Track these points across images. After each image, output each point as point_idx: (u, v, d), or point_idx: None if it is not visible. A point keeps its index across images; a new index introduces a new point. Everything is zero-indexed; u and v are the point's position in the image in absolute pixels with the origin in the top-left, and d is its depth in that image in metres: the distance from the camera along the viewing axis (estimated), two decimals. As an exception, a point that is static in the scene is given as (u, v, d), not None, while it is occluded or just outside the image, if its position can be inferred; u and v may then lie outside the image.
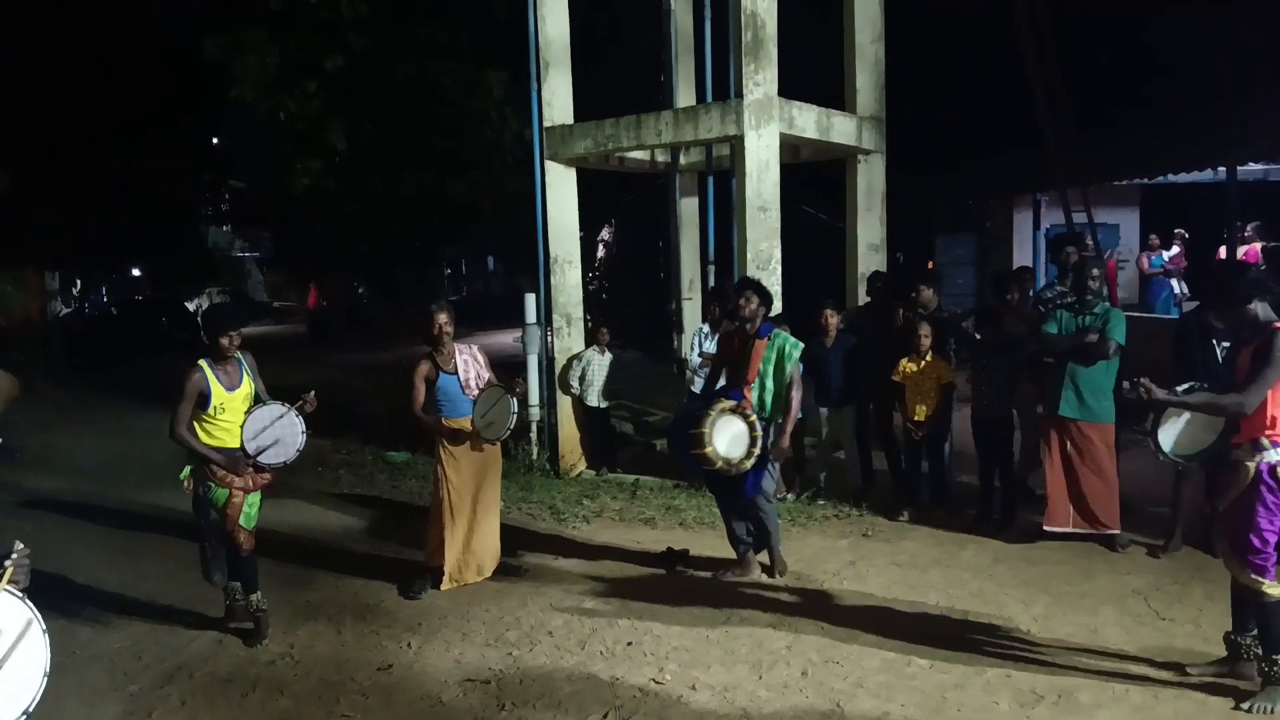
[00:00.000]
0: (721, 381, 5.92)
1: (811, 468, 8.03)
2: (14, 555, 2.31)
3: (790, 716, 4.18)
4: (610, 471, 8.98)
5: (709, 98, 8.87)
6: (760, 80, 7.76)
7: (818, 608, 5.39)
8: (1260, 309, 4.08)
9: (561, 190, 9.19)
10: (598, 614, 5.42)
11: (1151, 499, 6.80)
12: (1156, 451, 4.54)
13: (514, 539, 6.77)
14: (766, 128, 7.80)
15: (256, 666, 4.91)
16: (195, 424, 5.05)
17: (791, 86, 8.10)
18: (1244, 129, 9.93)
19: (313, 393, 5.24)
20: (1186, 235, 14.45)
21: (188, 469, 5.16)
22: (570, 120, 9.10)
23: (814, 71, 10.17)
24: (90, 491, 8.90)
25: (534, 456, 9.27)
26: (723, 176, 9.17)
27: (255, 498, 5.23)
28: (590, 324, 10.09)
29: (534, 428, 9.35)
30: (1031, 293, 7.81)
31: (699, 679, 4.54)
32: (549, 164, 9.06)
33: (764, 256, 7.91)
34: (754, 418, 5.53)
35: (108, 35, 19.07)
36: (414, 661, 4.90)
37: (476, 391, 5.87)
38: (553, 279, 9.20)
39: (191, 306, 30.75)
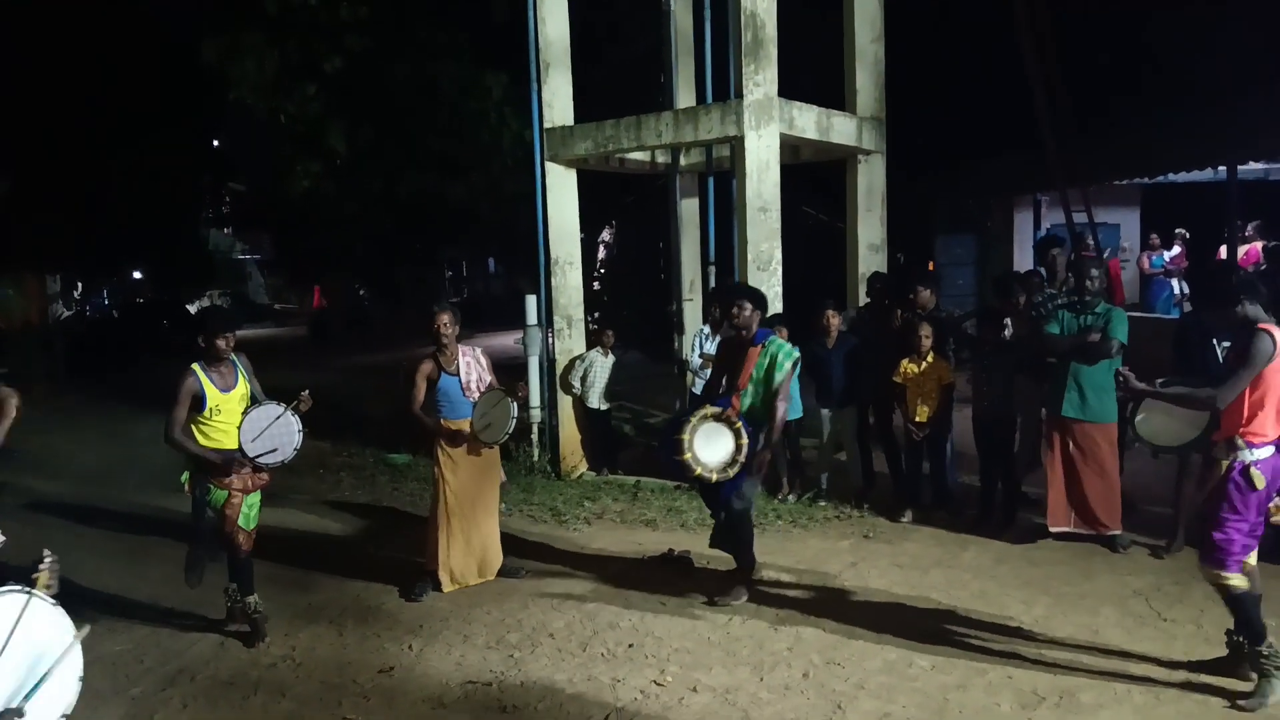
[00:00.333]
0: (724, 387, 5.89)
1: (813, 469, 8.02)
2: (45, 563, 2.34)
3: (792, 718, 4.17)
4: (611, 473, 8.97)
5: (709, 98, 8.87)
6: (760, 81, 7.76)
7: (819, 609, 5.38)
8: (1250, 309, 4.12)
9: (562, 192, 9.19)
10: (599, 616, 5.42)
11: (1153, 499, 6.80)
12: (1135, 439, 4.69)
13: (515, 541, 6.77)
14: (767, 128, 7.80)
15: (258, 669, 4.91)
16: (193, 427, 5.06)
17: (791, 86, 8.10)
18: (1244, 128, 9.94)
19: (307, 391, 5.25)
20: (1187, 235, 14.45)
21: (187, 473, 5.17)
22: (570, 121, 9.10)
23: (814, 71, 10.16)
24: (91, 494, 8.91)
25: (535, 458, 9.26)
26: (723, 177, 9.17)
27: (255, 498, 5.24)
28: (591, 325, 10.09)
29: (535, 429, 9.35)
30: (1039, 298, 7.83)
31: (700, 681, 4.54)
32: (549, 165, 9.06)
33: (764, 257, 7.91)
34: (739, 425, 5.41)
35: (107, 38, 19.07)
36: (416, 664, 4.90)
37: (477, 394, 5.87)
38: (553, 280, 9.20)
39: (192, 309, 30.78)
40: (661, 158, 10.04)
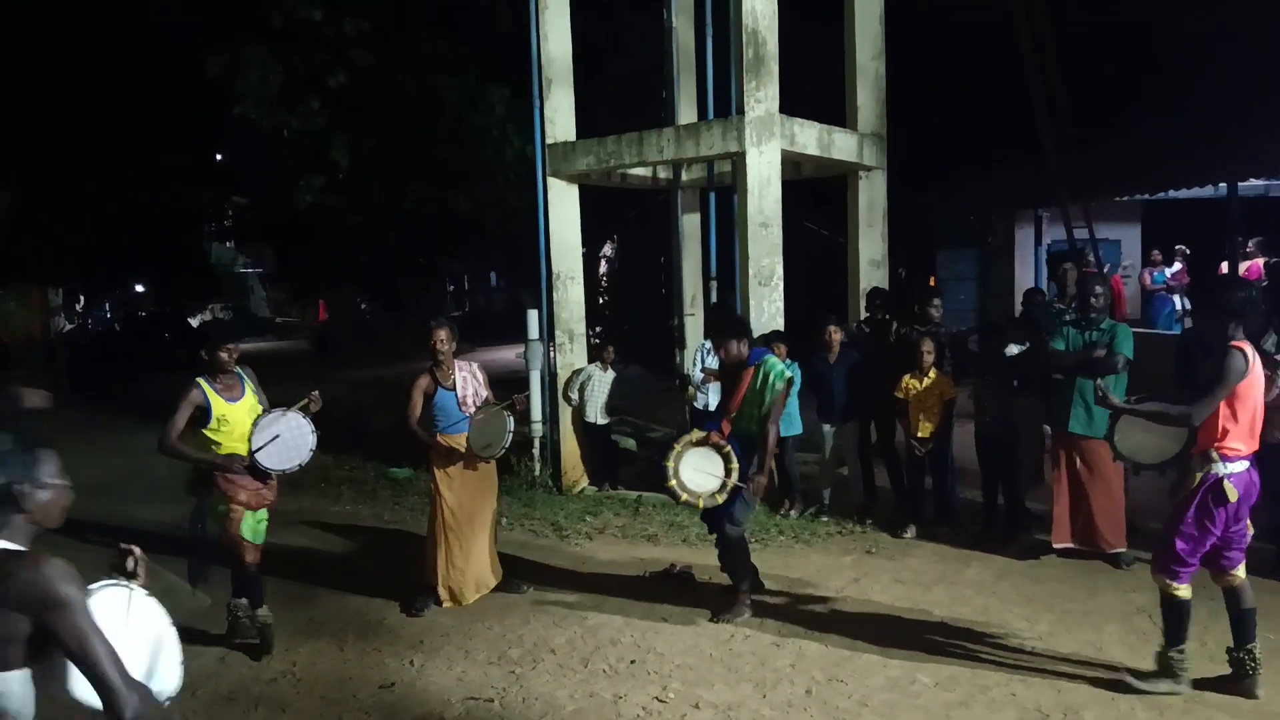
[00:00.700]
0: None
1: (815, 484, 8.01)
2: (135, 554, 2.45)
3: (794, 735, 4.16)
4: (613, 488, 8.96)
5: (710, 114, 8.91)
6: (761, 97, 7.79)
7: (822, 625, 5.37)
8: (1233, 328, 4.19)
9: (564, 206, 9.22)
10: (601, 632, 5.40)
11: (1156, 515, 6.77)
12: (1115, 457, 4.80)
13: (516, 556, 6.76)
14: (768, 144, 7.82)
15: (259, 684, 4.89)
16: (202, 440, 5.05)
17: (793, 100, 8.13)
18: (1245, 144, 9.96)
19: (317, 391, 5.25)
20: (1188, 251, 14.47)
21: (190, 487, 5.16)
22: (572, 137, 9.13)
23: (815, 84, 10.20)
24: (93, 507, 8.87)
25: (536, 473, 9.25)
26: (724, 192, 9.20)
27: (263, 514, 5.23)
28: (593, 340, 10.09)
29: (536, 444, 9.35)
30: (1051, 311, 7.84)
31: (702, 697, 4.52)
32: (551, 180, 9.09)
33: (766, 272, 7.92)
34: (728, 449, 5.35)
35: (111, 51, 19.18)
36: (416, 679, 4.89)
37: (474, 408, 5.88)
38: (555, 295, 9.21)
39: (194, 322, 30.84)
40: (663, 173, 10.07)
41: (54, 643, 2.03)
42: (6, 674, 2.06)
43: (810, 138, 8.36)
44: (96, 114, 19.44)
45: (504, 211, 15.02)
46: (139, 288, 34.63)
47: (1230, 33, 11.49)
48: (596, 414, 8.98)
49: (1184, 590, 4.28)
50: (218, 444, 5.07)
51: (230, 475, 5.05)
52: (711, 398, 7.93)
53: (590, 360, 9.32)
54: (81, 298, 31.80)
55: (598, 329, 14.09)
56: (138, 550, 2.43)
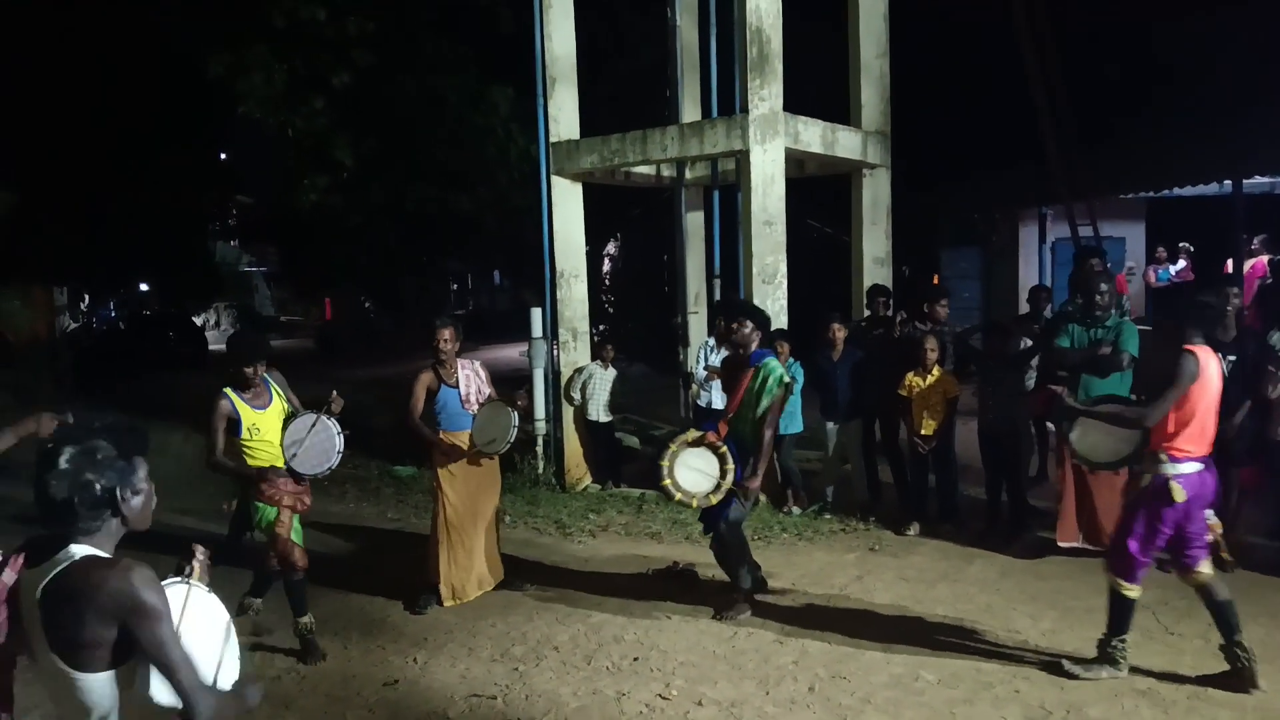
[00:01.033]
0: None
1: (818, 482, 8.01)
2: (198, 556, 2.53)
3: (798, 732, 4.16)
4: (616, 485, 8.97)
5: (714, 113, 8.90)
6: (765, 95, 7.78)
7: (825, 622, 5.36)
8: (1188, 333, 4.30)
9: (567, 205, 9.22)
10: (604, 629, 5.40)
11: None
12: (1071, 455, 4.92)
13: (520, 553, 6.77)
14: (772, 143, 7.82)
15: (263, 682, 4.88)
16: (239, 452, 5.06)
17: (797, 97, 8.12)
18: (1249, 142, 9.94)
19: (336, 392, 5.27)
20: (1192, 249, 14.44)
21: (235, 500, 5.16)
22: (576, 135, 9.14)
23: (819, 81, 10.19)
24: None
25: (540, 471, 9.26)
26: (728, 191, 9.19)
27: (296, 518, 5.26)
28: (596, 338, 10.10)
29: (540, 442, 9.35)
30: (1046, 310, 7.82)
31: (705, 694, 4.52)
32: (555, 179, 9.10)
33: (770, 270, 7.92)
34: (724, 450, 5.33)
35: (115, 51, 19.19)
36: (420, 677, 4.90)
37: (476, 406, 5.88)
38: (559, 293, 9.22)
39: (199, 321, 30.89)
40: (667, 171, 10.07)
41: (137, 648, 2.13)
42: (95, 675, 2.15)
43: (814, 136, 8.35)
44: (98, 114, 19.46)
45: (505, 210, 15.03)
46: (143, 287, 34.65)
47: (1234, 31, 11.47)
48: (599, 412, 8.99)
49: (1133, 591, 4.40)
50: (253, 453, 5.06)
51: (274, 481, 5.04)
52: (714, 395, 7.93)
53: (593, 359, 9.33)
54: (86, 297, 31.85)
55: (601, 327, 14.09)
56: (200, 552, 2.54)
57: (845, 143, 8.76)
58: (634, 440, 10.62)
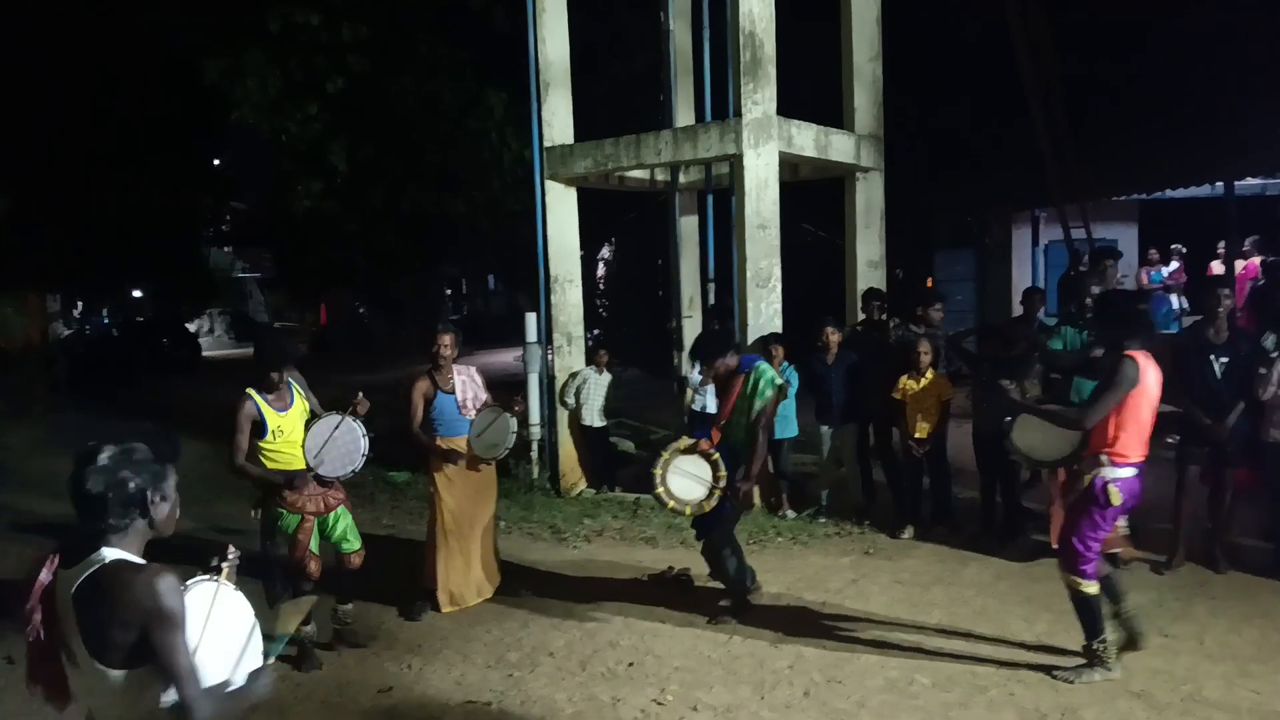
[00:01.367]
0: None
1: (813, 485, 8.02)
2: (230, 557, 2.60)
3: (793, 737, 4.16)
4: (611, 490, 8.96)
5: (708, 117, 8.91)
6: (759, 99, 7.79)
7: (820, 626, 5.37)
8: (1126, 338, 4.34)
9: (562, 209, 9.22)
10: (599, 635, 5.40)
11: (1153, 515, 6.78)
12: (1010, 452, 4.99)
13: (515, 559, 6.76)
14: (765, 146, 7.83)
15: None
16: (261, 456, 5.03)
17: (790, 99, 8.13)
18: (1241, 144, 9.97)
19: (361, 394, 5.25)
20: (1185, 250, 14.50)
21: (258, 506, 5.15)
22: (570, 140, 9.14)
23: (813, 83, 10.21)
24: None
25: (535, 476, 9.25)
26: (722, 195, 9.20)
27: (345, 517, 5.27)
28: (590, 343, 10.09)
29: (535, 447, 9.35)
30: (1039, 313, 7.83)
31: (701, 699, 4.52)
32: (549, 183, 9.09)
33: (764, 274, 7.93)
34: (716, 457, 5.32)
35: (108, 56, 19.16)
36: (415, 683, 4.89)
37: (473, 412, 5.87)
38: (553, 298, 9.22)
39: (192, 327, 30.82)
40: (661, 175, 10.08)
41: (149, 649, 2.21)
42: (111, 671, 2.25)
43: (808, 139, 8.37)
44: (94, 118, 19.42)
45: (502, 214, 15.02)
46: (137, 293, 34.56)
47: (1226, 33, 11.50)
48: (593, 416, 8.99)
49: (1092, 587, 4.45)
50: (275, 456, 5.03)
51: (299, 487, 5.01)
52: (709, 399, 7.93)
53: (588, 364, 9.33)
54: (79, 303, 31.75)
55: (596, 332, 14.09)
56: (232, 553, 2.62)
57: (838, 146, 8.78)
58: (629, 445, 10.62)
